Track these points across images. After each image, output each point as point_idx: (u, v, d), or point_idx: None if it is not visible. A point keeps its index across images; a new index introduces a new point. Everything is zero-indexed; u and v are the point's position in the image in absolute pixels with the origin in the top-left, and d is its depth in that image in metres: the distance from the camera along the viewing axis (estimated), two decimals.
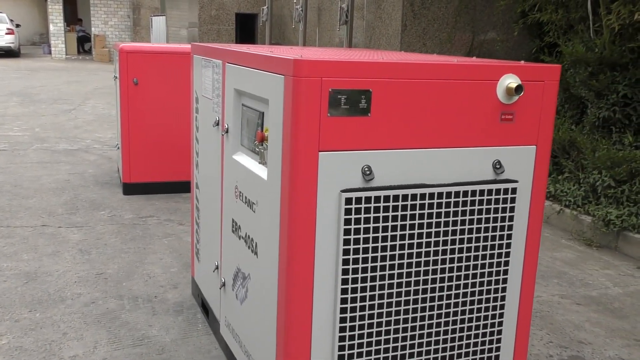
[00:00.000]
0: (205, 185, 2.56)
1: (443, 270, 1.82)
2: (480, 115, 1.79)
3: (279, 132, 1.70)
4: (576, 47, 4.23)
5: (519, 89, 1.77)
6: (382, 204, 1.71)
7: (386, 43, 6.41)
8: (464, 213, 1.81)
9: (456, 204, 1.80)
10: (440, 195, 1.77)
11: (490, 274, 1.89)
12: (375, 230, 1.72)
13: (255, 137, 1.91)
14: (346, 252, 1.70)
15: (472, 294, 1.88)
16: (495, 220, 1.86)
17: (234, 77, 2.09)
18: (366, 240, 1.71)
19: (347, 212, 1.68)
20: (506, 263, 1.91)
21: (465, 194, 1.80)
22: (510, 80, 1.79)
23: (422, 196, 1.75)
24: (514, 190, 1.86)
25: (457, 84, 1.74)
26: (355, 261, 1.71)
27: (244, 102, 2.06)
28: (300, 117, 1.61)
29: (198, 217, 2.74)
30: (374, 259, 1.73)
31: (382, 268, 1.74)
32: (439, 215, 1.78)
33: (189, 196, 4.66)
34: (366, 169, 1.69)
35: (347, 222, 1.68)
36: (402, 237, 1.75)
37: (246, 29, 10.63)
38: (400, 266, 1.76)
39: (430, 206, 1.76)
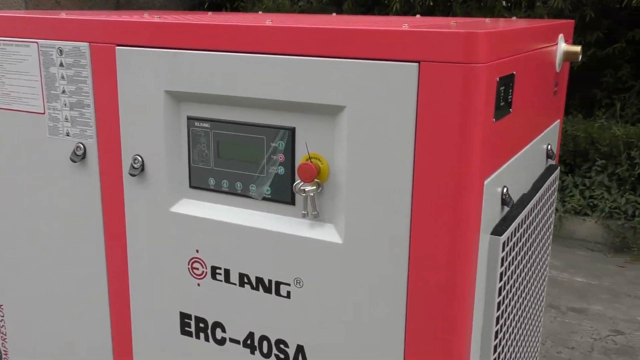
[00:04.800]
0: (28, 258, 1.46)
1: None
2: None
3: (395, 159, 0.98)
4: (283, 2, 3.94)
5: None
6: (524, 233, 1.18)
7: (1, 4, 4.98)
8: None
9: None
10: None
11: None
12: (513, 271, 1.19)
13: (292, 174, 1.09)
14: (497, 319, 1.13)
15: None
16: None
17: (162, 71, 1.15)
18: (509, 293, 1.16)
19: (503, 260, 1.10)
20: None
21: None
22: None
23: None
24: None
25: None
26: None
27: (193, 114, 1.17)
28: (473, 131, 0.94)
29: None
30: (510, 311, 1.20)
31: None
32: None
33: None
34: (505, 193, 1.13)
35: (501, 276, 1.11)
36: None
37: None
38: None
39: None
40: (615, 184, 3.50)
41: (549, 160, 1.50)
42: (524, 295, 1.30)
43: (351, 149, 1.01)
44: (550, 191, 1.45)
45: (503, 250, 1.09)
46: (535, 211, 1.32)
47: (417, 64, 0.93)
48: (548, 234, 1.50)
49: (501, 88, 1.01)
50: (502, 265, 1.09)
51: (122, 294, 1.33)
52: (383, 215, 1.01)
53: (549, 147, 1.47)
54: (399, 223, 1.00)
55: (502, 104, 1.03)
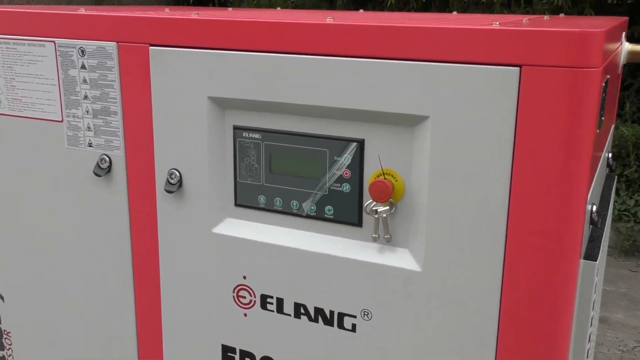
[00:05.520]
0: (37, 289, 1.31)
1: None
2: None
3: (489, 176, 0.86)
4: None
5: None
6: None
7: None
8: None
9: None
10: None
11: None
12: None
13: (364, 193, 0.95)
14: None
15: None
16: None
17: (205, 75, 1.01)
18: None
19: (596, 287, 0.99)
20: None
21: None
22: None
23: None
24: None
25: None
26: None
27: (240, 124, 1.03)
28: (582, 144, 0.82)
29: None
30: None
31: None
32: None
33: None
34: (595, 211, 1.01)
35: (594, 304, 0.99)
36: None
37: None
38: None
39: None
40: (623, 186, 3.43)
41: (607, 169, 1.39)
42: (596, 317, 1.20)
43: (435, 164, 0.89)
44: (611, 203, 1.35)
45: (597, 275, 0.98)
46: (606, 227, 1.21)
47: (518, 68, 0.81)
48: (606, 247, 1.40)
49: (603, 95, 0.90)
50: (595, 292, 0.98)
51: (152, 325, 1.19)
52: (472, 240, 0.89)
53: (609, 155, 1.37)
54: (492, 249, 0.88)
55: (601, 112, 0.91)
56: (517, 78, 0.82)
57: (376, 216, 0.94)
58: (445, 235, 0.90)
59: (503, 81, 0.82)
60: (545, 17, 1.31)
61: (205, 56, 1.01)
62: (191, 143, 1.05)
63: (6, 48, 1.19)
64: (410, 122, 0.90)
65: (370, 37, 0.89)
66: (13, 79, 1.21)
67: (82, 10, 1.16)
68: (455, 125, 0.86)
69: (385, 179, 0.93)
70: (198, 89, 1.03)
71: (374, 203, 0.94)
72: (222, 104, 1.03)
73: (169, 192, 1.08)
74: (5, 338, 1.41)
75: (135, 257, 1.17)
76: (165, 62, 1.04)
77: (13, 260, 1.33)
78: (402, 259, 0.95)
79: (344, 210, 0.99)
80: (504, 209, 0.86)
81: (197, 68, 1.02)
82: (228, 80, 1.00)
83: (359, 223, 0.98)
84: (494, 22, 0.89)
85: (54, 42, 1.14)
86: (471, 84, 0.84)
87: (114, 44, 1.09)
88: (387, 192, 0.92)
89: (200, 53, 1.01)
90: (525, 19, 1.12)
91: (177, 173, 1.08)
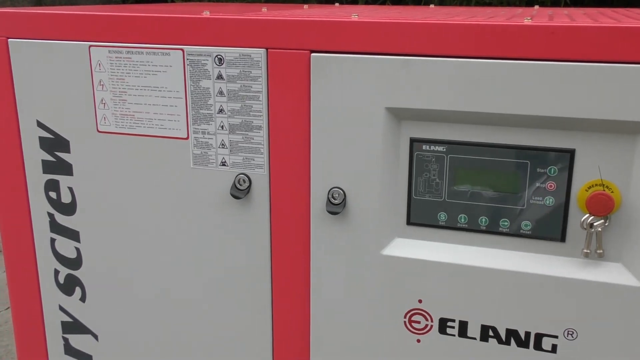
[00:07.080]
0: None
1: None
2: None
3: None
4: None
5: None
6: None
7: None
8: None
9: None
10: None
11: None
12: None
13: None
14: None
15: None
16: None
17: (383, 84, 0.91)
18: None
19: None
20: None
21: None
22: None
23: None
24: None
25: None
26: None
27: (417, 135, 0.94)
28: None
29: None
30: None
31: None
32: None
33: None
34: None
35: None
36: None
37: None
38: None
39: None
40: None
41: None
42: None
43: None
44: None
45: None
46: None
47: None
48: None
49: None
50: None
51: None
52: None
53: None
54: None
55: None
56: None
57: (592, 230, 0.88)
58: None
59: None
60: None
61: (385, 63, 0.91)
62: (361, 158, 0.96)
63: (116, 58, 1.05)
64: (634, 129, 0.84)
65: (593, 40, 0.82)
66: (124, 92, 1.06)
67: (206, 13, 1.03)
68: None
69: (604, 190, 0.87)
70: (374, 99, 0.93)
71: (592, 217, 0.88)
72: (399, 115, 0.94)
73: (333, 213, 0.98)
74: None
75: (275, 292, 1.06)
76: (333, 70, 0.93)
77: (111, 295, 1.18)
78: (617, 275, 0.90)
79: (546, 225, 0.92)
80: None
81: (375, 77, 0.92)
82: (411, 89, 0.91)
83: (561, 238, 0.92)
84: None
85: (182, 49, 1.01)
86: None
87: (262, 50, 0.97)
88: (609, 206, 0.86)
89: (379, 60, 0.91)
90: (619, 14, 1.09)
91: (341, 192, 0.98)
